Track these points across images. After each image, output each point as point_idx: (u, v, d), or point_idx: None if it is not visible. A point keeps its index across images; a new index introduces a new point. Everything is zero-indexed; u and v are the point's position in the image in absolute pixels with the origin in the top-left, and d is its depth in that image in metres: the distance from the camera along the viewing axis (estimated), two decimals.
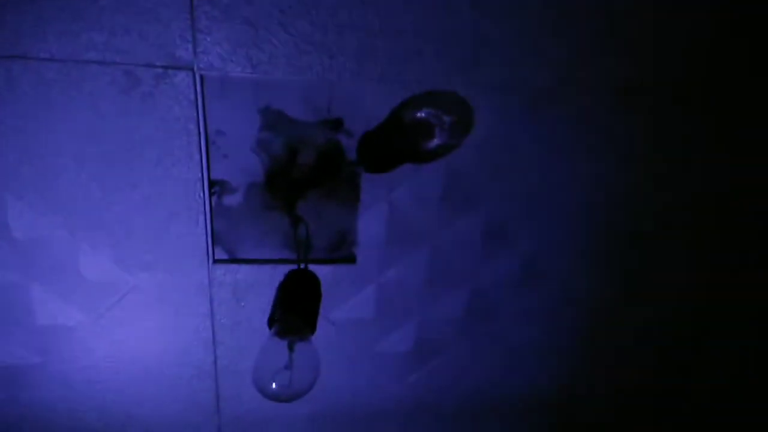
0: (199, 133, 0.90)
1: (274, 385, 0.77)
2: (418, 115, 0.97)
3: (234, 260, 1.05)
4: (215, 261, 1.04)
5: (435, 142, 0.99)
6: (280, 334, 0.80)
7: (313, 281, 0.90)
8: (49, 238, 0.96)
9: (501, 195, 1.05)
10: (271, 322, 0.82)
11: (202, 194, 0.96)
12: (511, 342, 1.25)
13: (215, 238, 1.02)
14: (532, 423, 1.43)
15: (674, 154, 1.04)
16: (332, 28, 0.84)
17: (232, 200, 0.99)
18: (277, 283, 1.04)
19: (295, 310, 0.80)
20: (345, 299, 1.13)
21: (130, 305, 1.05)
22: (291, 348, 0.78)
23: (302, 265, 0.96)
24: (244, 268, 1.05)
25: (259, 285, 1.08)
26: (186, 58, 0.83)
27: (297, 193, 1.00)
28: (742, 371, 1.35)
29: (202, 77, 0.85)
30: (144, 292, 1.05)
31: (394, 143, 0.97)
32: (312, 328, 0.81)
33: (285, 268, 1.05)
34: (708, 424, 1.45)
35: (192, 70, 0.84)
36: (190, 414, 1.19)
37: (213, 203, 0.98)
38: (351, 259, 1.08)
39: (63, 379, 1.09)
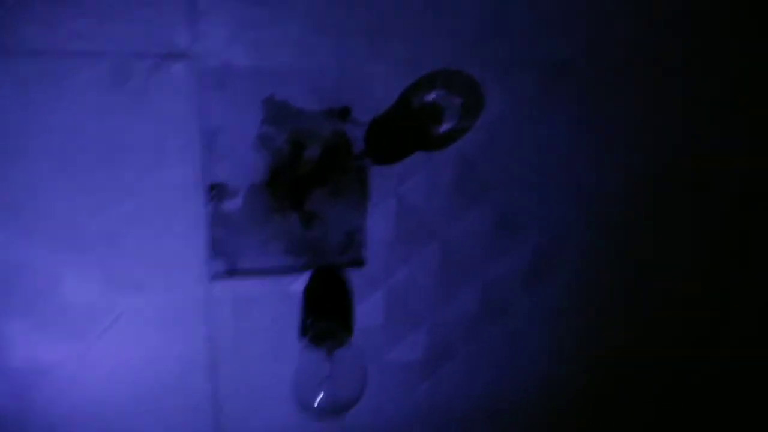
0: (197, 130, 0.82)
1: (318, 400, 0.68)
2: (427, 98, 0.93)
3: (235, 272, 0.96)
4: (214, 275, 0.95)
5: (445, 126, 0.95)
6: (316, 341, 0.72)
7: (342, 280, 0.82)
8: (26, 259, 0.84)
9: (512, 181, 1.02)
10: (304, 331, 0.73)
11: (199, 199, 0.88)
12: (523, 341, 1.21)
13: (214, 249, 0.93)
14: (542, 423, 1.38)
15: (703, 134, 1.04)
16: (340, 6, 0.79)
17: (231, 205, 0.91)
18: (282, 295, 0.96)
19: (328, 313, 0.73)
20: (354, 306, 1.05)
21: (120, 333, 0.94)
22: (330, 356, 0.71)
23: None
24: (246, 281, 0.97)
25: (264, 299, 0.99)
26: (184, 44, 0.76)
27: (303, 192, 0.93)
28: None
29: (199, 66, 0.78)
30: (136, 316, 0.94)
31: (404, 129, 0.93)
32: (349, 330, 0.74)
33: (291, 277, 0.97)
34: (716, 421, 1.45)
35: (190, 58, 0.77)
36: None
37: (211, 209, 0.90)
38: (360, 263, 1.02)
39: (46, 424, 0.95)
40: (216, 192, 0.89)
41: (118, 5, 0.72)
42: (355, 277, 1.02)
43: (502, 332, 1.18)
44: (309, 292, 0.80)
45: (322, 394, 0.68)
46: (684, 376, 1.37)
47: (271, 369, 1.05)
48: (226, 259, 0.95)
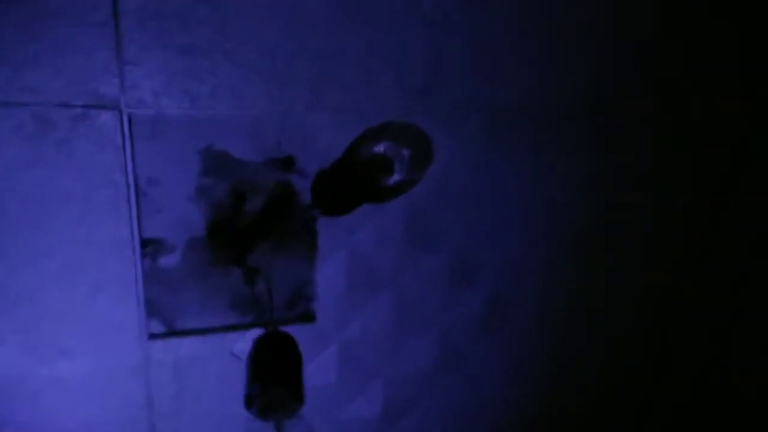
0: (128, 183, 0.77)
1: None
2: (376, 149, 0.90)
3: (173, 333, 0.89)
4: (151, 336, 0.88)
5: (395, 178, 0.92)
6: (263, 413, 0.66)
7: (289, 342, 0.77)
8: None
9: (464, 229, 0.99)
10: (249, 401, 0.67)
11: (132, 257, 0.82)
12: (481, 388, 1.17)
13: (150, 309, 0.87)
14: None
15: (644, 176, 1.04)
16: (281, 54, 0.76)
17: (168, 261, 0.85)
18: (226, 354, 0.90)
19: (276, 380, 0.67)
20: (304, 364, 0.99)
21: (45, 405, 0.86)
22: (279, 429, 0.65)
23: (269, 327, 0.83)
24: (187, 342, 0.90)
25: (205, 360, 0.92)
26: (111, 94, 0.71)
27: (245, 245, 0.88)
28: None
29: (130, 117, 0.73)
30: (63, 386, 0.86)
31: (353, 181, 0.89)
32: (300, 398, 0.68)
33: (235, 336, 0.91)
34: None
35: (118, 108, 0.72)
36: None
37: (146, 267, 0.84)
38: (310, 317, 0.97)
39: None
40: (151, 248, 0.83)
41: (41, 52, 0.67)
42: (305, 333, 0.96)
43: (460, 381, 1.14)
44: (254, 359, 0.74)
45: None
46: (647, 414, 1.35)
47: None
48: (164, 318, 0.88)
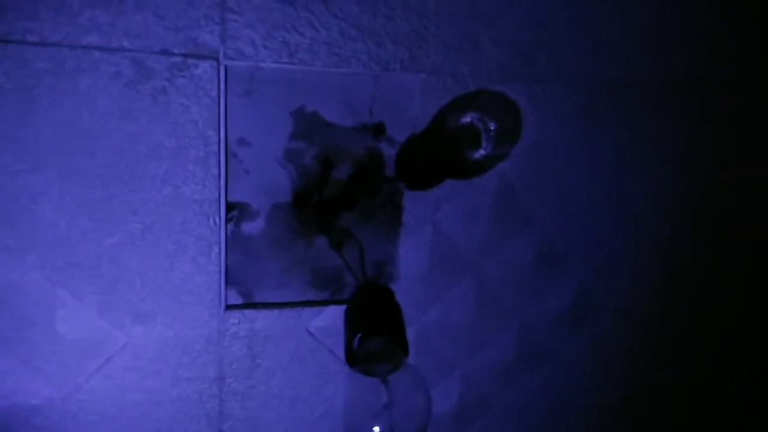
0: (219, 141, 0.75)
1: None
2: (463, 120, 0.85)
3: (251, 305, 0.86)
4: (228, 307, 0.85)
5: (480, 152, 0.88)
6: (368, 365, 0.61)
7: (388, 294, 0.72)
8: (16, 284, 0.74)
9: (554, 212, 0.93)
10: (351, 357, 0.62)
11: (217, 220, 0.79)
12: (564, 392, 1.09)
13: (229, 278, 0.83)
14: None
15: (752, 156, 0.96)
16: (382, 9, 0.73)
17: (251, 227, 0.82)
18: (301, 332, 0.86)
19: (379, 330, 0.62)
20: None
21: (116, 371, 0.83)
22: (385, 381, 0.60)
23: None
24: (263, 315, 0.86)
25: (281, 336, 0.88)
26: (211, 43, 0.69)
27: (330, 215, 0.84)
28: None
29: (227, 68, 0.71)
30: (136, 352, 0.83)
31: (436, 155, 0.85)
32: (405, 349, 0.63)
33: (312, 313, 0.87)
34: None
35: (217, 59, 0.70)
36: None
37: (229, 232, 0.81)
38: None
39: None
40: (235, 212, 0.80)
41: None
42: None
43: (541, 382, 1.06)
44: (354, 311, 0.69)
45: (378, 429, 0.57)
46: (738, 416, 1.24)
47: (287, 418, 0.93)
48: (242, 289, 0.85)
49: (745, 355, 1.15)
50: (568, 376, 1.06)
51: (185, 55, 0.69)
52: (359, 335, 0.61)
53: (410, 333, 0.94)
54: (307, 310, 0.87)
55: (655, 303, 1.03)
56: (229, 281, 0.84)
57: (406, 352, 0.64)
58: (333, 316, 0.88)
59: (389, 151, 0.83)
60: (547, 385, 1.05)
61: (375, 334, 0.62)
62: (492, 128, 0.87)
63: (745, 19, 0.87)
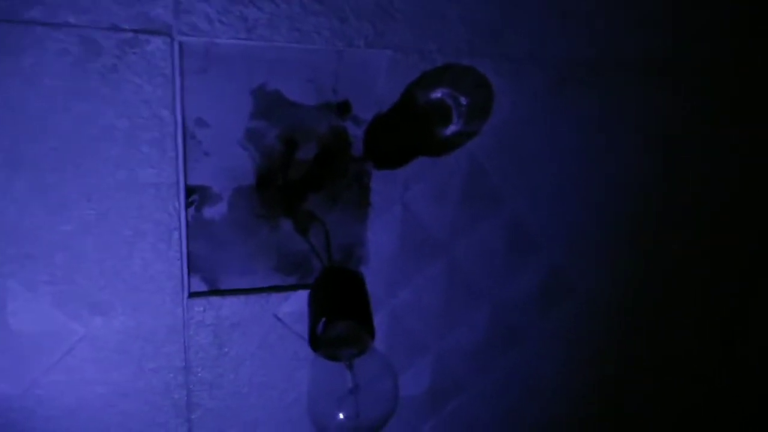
0: (176, 122, 0.71)
1: (341, 417, 0.55)
2: (433, 96, 0.83)
3: (216, 292, 0.83)
4: (191, 294, 0.82)
5: (451, 128, 0.86)
6: (332, 350, 0.59)
7: (354, 276, 0.70)
8: None
9: (526, 192, 0.92)
10: (315, 341, 0.61)
11: (177, 205, 0.76)
12: (534, 368, 1.09)
13: (191, 265, 0.81)
14: None
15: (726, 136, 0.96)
16: None
17: (213, 212, 0.79)
18: (269, 318, 0.84)
19: (344, 313, 0.60)
20: None
21: (76, 364, 0.80)
22: (350, 366, 0.58)
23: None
24: (229, 302, 0.84)
25: (248, 323, 0.86)
26: (164, 18, 0.65)
27: (296, 197, 0.81)
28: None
29: (181, 45, 0.67)
30: (97, 343, 0.80)
31: (406, 131, 0.83)
32: (371, 332, 0.61)
33: (279, 298, 0.85)
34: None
35: (170, 35, 0.66)
36: None
37: (190, 217, 0.78)
38: None
39: None
40: (196, 196, 0.77)
41: None
42: None
43: (513, 364, 1.06)
44: (317, 294, 0.67)
45: (343, 415, 0.56)
46: (710, 395, 1.26)
47: (256, 405, 0.91)
48: (206, 275, 0.82)
49: (717, 336, 1.17)
50: (540, 358, 1.06)
51: (136, 31, 0.65)
52: (323, 319, 0.59)
53: (381, 315, 0.93)
54: (275, 296, 0.85)
55: (626, 283, 1.04)
56: (191, 268, 0.81)
57: (372, 336, 0.62)
58: (301, 301, 0.86)
59: (355, 131, 0.81)
60: (519, 366, 1.05)
61: (340, 318, 0.60)
62: (464, 103, 0.85)
63: (726, 2, 0.87)
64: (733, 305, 1.14)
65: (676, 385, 1.20)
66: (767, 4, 0.90)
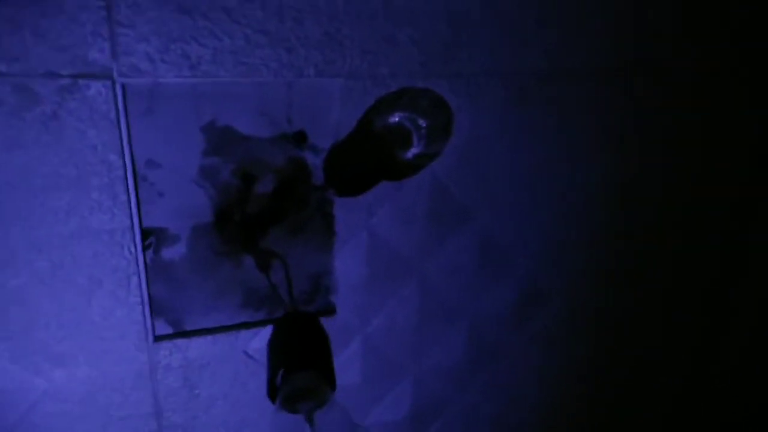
0: (125, 165, 0.69)
1: None
2: (391, 120, 0.82)
3: (182, 333, 0.81)
4: (156, 338, 0.80)
5: (412, 151, 0.85)
6: (291, 403, 0.57)
7: (315, 324, 0.68)
8: None
9: (492, 206, 0.91)
10: (273, 392, 0.59)
11: (133, 249, 0.73)
12: (514, 381, 1.08)
13: (154, 308, 0.78)
14: None
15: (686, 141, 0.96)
16: (289, 12, 0.68)
17: (173, 253, 0.77)
18: (239, 355, 0.81)
19: (303, 365, 0.58)
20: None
21: (41, 419, 0.77)
22: (310, 419, 0.56)
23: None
24: (196, 343, 0.82)
25: (217, 362, 0.84)
26: (102, 61, 0.63)
27: (256, 231, 0.79)
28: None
29: (124, 87, 0.65)
30: (60, 396, 0.77)
31: (366, 157, 0.81)
32: (331, 383, 0.60)
33: (249, 335, 0.83)
34: None
35: (111, 78, 0.64)
36: None
37: (148, 260, 0.75)
38: (330, 311, 0.88)
39: None
40: (153, 238, 0.75)
41: (20, 14, 0.59)
42: (326, 329, 0.87)
43: (493, 380, 1.05)
44: (275, 344, 0.65)
45: None
46: (690, 402, 1.26)
47: None
48: (171, 317, 0.80)
49: (696, 343, 1.17)
50: (519, 372, 1.05)
51: (74, 76, 0.63)
52: (282, 370, 0.57)
53: (356, 344, 0.91)
54: (243, 333, 0.83)
55: (600, 290, 1.03)
56: (155, 311, 0.79)
57: (333, 387, 0.60)
58: None
59: (314, 160, 0.79)
60: (499, 381, 1.04)
61: (300, 369, 0.58)
62: (423, 125, 0.84)
63: (668, 4, 0.86)
64: (713, 310, 1.14)
65: (657, 392, 1.20)
66: (711, 7, 0.90)
